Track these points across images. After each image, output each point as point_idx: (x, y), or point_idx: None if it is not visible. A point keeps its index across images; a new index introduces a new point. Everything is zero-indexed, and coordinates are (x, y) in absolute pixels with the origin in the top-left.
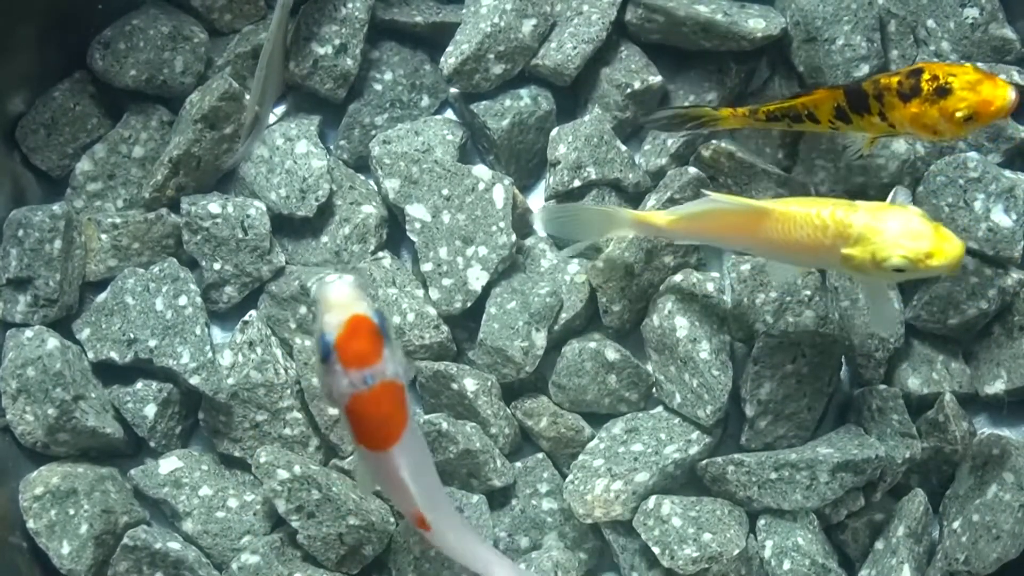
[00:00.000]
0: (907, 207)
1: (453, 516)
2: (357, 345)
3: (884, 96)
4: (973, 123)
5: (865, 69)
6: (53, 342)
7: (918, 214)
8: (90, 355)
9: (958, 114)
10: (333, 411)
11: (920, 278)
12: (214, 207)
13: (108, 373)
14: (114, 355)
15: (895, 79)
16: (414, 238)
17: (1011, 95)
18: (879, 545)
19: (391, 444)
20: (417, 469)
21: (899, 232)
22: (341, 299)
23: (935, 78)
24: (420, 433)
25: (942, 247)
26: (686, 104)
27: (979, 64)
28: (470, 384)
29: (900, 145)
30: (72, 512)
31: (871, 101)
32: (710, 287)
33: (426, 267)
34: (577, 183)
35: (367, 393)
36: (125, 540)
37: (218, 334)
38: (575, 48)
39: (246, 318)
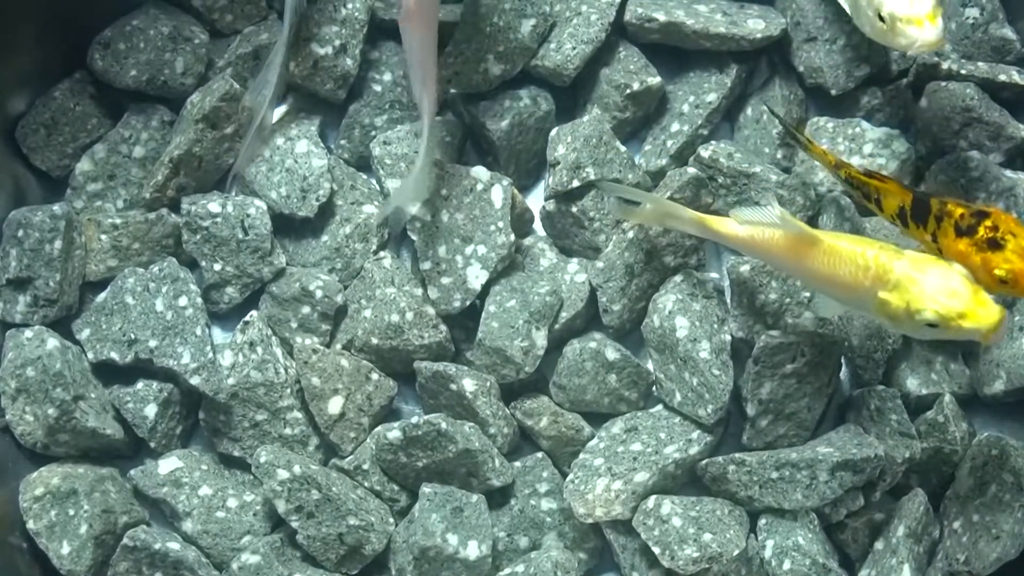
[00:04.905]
0: (951, 265)
1: (429, 40)
2: None
3: (943, 220)
4: (1008, 287)
5: (866, 70)
6: (53, 342)
7: (961, 273)
8: (90, 355)
9: (997, 271)
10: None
11: (952, 339)
12: (214, 206)
13: (108, 373)
14: (114, 355)
15: (960, 211)
16: (414, 237)
17: None
18: (879, 545)
19: None
20: None
21: (937, 287)
22: None
23: (995, 228)
24: None
25: (976, 310)
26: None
27: None
28: (469, 384)
29: (900, 144)
30: (72, 512)
31: (931, 218)
32: (710, 287)
33: (425, 265)
34: (576, 183)
35: None
36: (125, 540)
37: (219, 335)
38: (574, 48)
39: (247, 319)
